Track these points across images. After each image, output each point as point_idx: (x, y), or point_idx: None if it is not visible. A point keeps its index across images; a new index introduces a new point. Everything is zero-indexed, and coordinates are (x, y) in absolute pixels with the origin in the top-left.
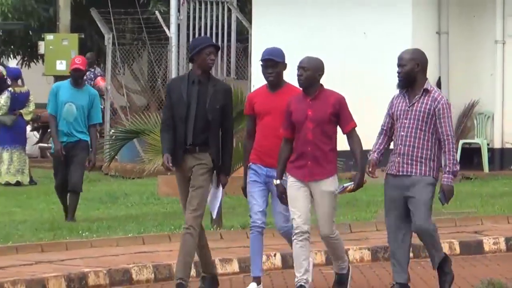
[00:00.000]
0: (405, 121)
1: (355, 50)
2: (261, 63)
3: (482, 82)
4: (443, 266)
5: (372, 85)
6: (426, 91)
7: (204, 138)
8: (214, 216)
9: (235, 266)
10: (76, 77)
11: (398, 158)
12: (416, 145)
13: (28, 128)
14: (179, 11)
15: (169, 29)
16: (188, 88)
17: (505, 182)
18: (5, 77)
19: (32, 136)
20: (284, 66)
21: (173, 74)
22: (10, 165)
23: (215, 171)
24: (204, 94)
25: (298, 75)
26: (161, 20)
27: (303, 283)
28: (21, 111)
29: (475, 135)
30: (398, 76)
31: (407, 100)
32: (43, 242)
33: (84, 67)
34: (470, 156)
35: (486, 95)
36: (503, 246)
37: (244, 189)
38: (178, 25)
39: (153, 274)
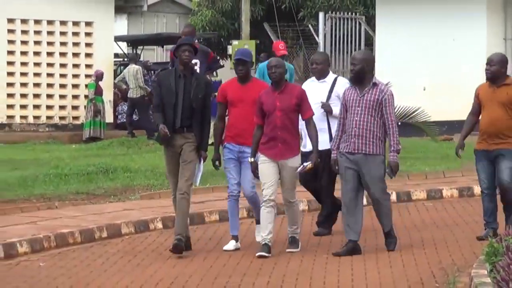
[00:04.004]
0: (358, 108)
1: (446, 51)
2: (233, 61)
3: None
4: (390, 232)
5: (458, 76)
6: (375, 85)
7: (189, 121)
8: (196, 184)
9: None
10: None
11: (354, 139)
12: (368, 128)
13: None
14: (325, 24)
15: (318, 37)
16: (175, 80)
17: None
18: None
19: None
20: (251, 64)
21: None
22: None
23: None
24: (189, 86)
25: (272, 73)
26: (312, 31)
27: (267, 242)
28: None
29: None
30: (350, 73)
31: (358, 92)
32: None
33: (286, 51)
34: None
35: None
36: None
37: (214, 162)
38: (324, 35)
39: None
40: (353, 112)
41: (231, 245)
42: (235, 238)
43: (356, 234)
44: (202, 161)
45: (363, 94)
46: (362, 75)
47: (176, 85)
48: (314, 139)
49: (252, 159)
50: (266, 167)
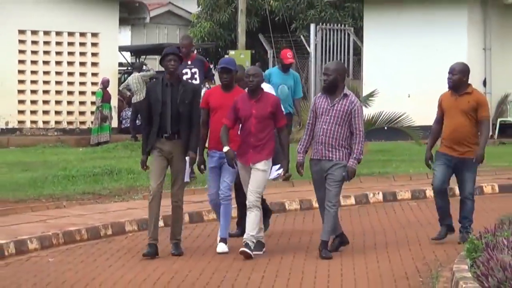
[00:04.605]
0: (327, 117)
1: (429, 60)
2: (218, 70)
3: None
4: (342, 236)
5: (440, 84)
6: (345, 95)
7: (177, 127)
8: (184, 180)
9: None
10: (287, 68)
11: (320, 146)
12: (335, 136)
13: None
14: (316, 35)
15: (309, 47)
16: (162, 89)
17: None
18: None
19: None
20: (235, 72)
21: (312, 77)
22: None
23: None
24: (176, 93)
25: (250, 81)
26: (304, 41)
27: (251, 241)
28: None
29: (508, 115)
30: (323, 83)
31: (329, 101)
32: None
33: (293, 60)
34: (505, 129)
35: None
36: None
37: (199, 166)
38: (315, 45)
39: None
40: (322, 120)
41: (221, 247)
42: (225, 240)
43: (327, 234)
44: (190, 160)
45: (333, 104)
46: (335, 85)
47: (163, 94)
48: (286, 147)
49: (227, 148)
50: (245, 173)
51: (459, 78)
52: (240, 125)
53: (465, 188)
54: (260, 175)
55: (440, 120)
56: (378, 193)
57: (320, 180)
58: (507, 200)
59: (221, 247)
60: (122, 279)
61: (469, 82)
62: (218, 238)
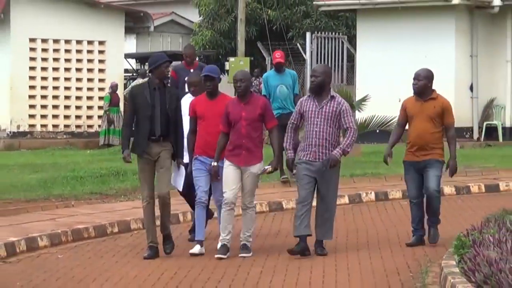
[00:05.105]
0: (317, 119)
1: (419, 67)
2: (201, 78)
3: (498, 86)
4: (322, 242)
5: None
6: (332, 97)
7: (166, 130)
8: (180, 189)
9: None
10: (280, 67)
11: (314, 148)
12: (327, 138)
13: None
14: (311, 43)
15: (305, 54)
16: (151, 93)
17: None
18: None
19: None
20: (219, 80)
21: (307, 83)
22: None
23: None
24: (164, 97)
25: (238, 86)
26: (300, 49)
27: (225, 243)
28: None
29: (494, 119)
30: (311, 84)
31: (316, 103)
32: None
33: (284, 60)
34: (491, 132)
35: (501, 94)
36: None
37: (189, 174)
38: (311, 52)
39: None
40: (313, 122)
41: (196, 249)
42: (201, 243)
43: (307, 228)
44: (182, 167)
45: (321, 106)
46: (322, 87)
47: (152, 97)
48: (276, 146)
49: (215, 163)
50: (231, 172)
51: (424, 84)
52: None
53: (430, 185)
54: (255, 179)
55: (403, 124)
56: (371, 193)
57: (310, 179)
58: (493, 199)
59: (196, 249)
60: (128, 274)
61: (433, 88)
62: (192, 238)
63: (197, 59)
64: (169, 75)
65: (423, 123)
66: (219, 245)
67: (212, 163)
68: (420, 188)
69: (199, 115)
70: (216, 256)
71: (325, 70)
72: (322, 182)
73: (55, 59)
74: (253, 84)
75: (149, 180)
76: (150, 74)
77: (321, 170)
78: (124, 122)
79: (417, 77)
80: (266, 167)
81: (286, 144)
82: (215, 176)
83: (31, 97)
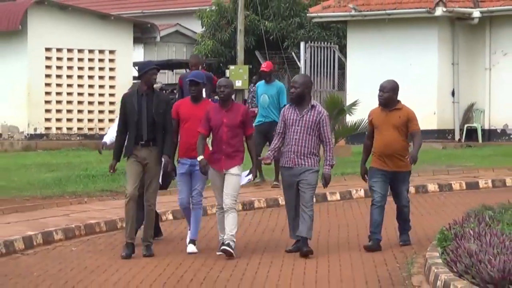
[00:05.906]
0: (297, 128)
1: (404, 73)
2: (187, 82)
3: (477, 91)
4: (307, 240)
5: (414, 94)
6: (313, 106)
7: (153, 135)
8: (166, 189)
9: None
10: (264, 76)
11: (293, 155)
12: (305, 145)
13: None
14: (305, 52)
15: (299, 62)
16: (138, 100)
17: (491, 148)
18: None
19: None
20: (203, 85)
21: None
22: None
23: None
24: (150, 103)
25: (221, 92)
26: (295, 57)
27: (231, 242)
28: None
29: (474, 122)
30: (290, 95)
31: (297, 112)
32: None
33: (268, 69)
34: (471, 134)
35: (480, 99)
36: (490, 184)
37: (170, 173)
38: (305, 60)
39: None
40: (293, 130)
41: (190, 248)
42: (193, 242)
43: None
44: (164, 163)
45: (302, 115)
46: (302, 97)
47: (139, 103)
48: (254, 153)
49: (201, 157)
50: (216, 180)
51: (389, 95)
52: (212, 134)
53: (402, 199)
54: (234, 179)
55: (371, 135)
56: (360, 190)
57: (291, 184)
58: (473, 196)
59: (191, 248)
60: (137, 265)
61: (399, 98)
62: (188, 240)
63: (200, 68)
64: (156, 82)
65: (389, 132)
66: (220, 244)
67: (198, 158)
68: (385, 193)
69: (182, 117)
70: (222, 248)
71: (304, 81)
72: (302, 185)
73: (69, 67)
74: (250, 90)
75: (135, 177)
76: (139, 80)
77: (300, 175)
78: (117, 129)
79: (382, 89)
80: (250, 177)
81: (270, 149)
82: (204, 168)
83: (47, 102)
